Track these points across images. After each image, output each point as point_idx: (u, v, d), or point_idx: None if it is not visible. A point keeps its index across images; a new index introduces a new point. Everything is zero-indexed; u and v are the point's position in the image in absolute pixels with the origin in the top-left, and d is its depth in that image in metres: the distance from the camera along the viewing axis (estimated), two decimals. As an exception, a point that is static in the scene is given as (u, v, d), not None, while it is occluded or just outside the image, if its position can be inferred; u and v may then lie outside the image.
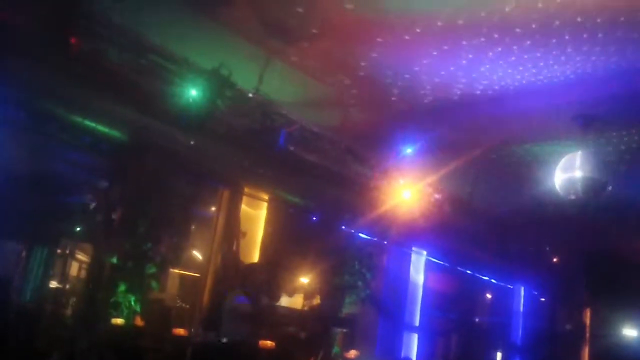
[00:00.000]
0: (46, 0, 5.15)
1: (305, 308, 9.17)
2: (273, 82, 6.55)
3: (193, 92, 6.13)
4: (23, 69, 5.46)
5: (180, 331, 6.82)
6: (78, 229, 8.31)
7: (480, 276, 13.83)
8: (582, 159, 6.81)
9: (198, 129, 6.56)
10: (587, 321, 15.58)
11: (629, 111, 6.83)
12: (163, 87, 6.13)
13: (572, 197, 6.90)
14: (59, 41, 5.39)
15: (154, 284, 7.08)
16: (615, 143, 7.69)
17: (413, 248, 11.81)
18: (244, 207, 8.58)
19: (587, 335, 15.42)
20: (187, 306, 8.84)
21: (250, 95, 6.67)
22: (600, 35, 5.36)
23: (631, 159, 8.07)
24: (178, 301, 9.10)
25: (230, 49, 6.23)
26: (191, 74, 6.15)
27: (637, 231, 11.64)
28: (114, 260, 6.71)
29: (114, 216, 6.83)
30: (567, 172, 6.84)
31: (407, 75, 6.52)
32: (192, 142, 6.91)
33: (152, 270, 6.99)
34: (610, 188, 7.05)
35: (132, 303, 6.79)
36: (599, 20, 5.11)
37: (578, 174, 6.76)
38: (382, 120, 7.78)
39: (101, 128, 6.47)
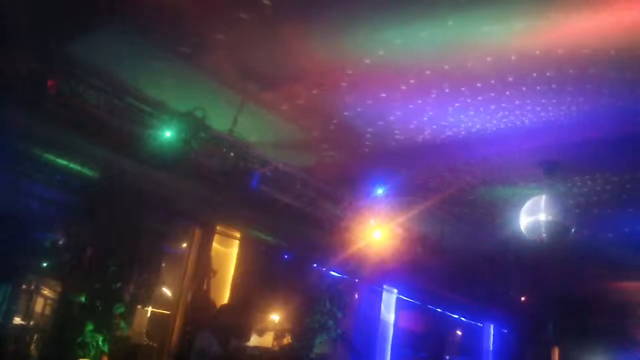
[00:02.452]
0: (24, 42, 5.21)
1: (276, 347, 9.12)
2: (247, 124, 6.67)
3: (167, 134, 6.22)
4: (-2, 108, 5.50)
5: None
6: (45, 264, 8.19)
7: (451, 314, 13.95)
8: (546, 202, 7.02)
9: (172, 168, 6.62)
10: (556, 358, 15.74)
11: (593, 157, 7.09)
12: (138, 128, 6.21)
13: (537, 239, 7.09)
14: (36, 82, 5.45)
15: (122, 323, 7.01)
16: (579, 187, 7.94)
17: (384, 286, 11.90)
18: (215, 245, 8.60)
19: (557, 374, 15.56)
20: (155, 344, 8.70)
21: (225, 137, 6.77)
22: (569, 88, 5.63)
23: (596, 203, 8.32)
24: (145, 339, 8.96)
25: (205, 91, 6.35)
26: (166, 116, 6.25)
27: (602, 273, 11.94)
28: (82, 299, 6.64)
29: (84, 255, 6.79)
30: (532, 215, 7.04)
31: (379, 122, 6.72)
32: (164, 182, 6.95)
33: (120, 309, 6.93)
34: (573, 231, 7.27)
35: (100, 343, 6.70)
36: (571, 71, 5.38)
37: (542, 217, 6.97)
38: (354, 162, 7.94)
39: (73, 166, 6.50)
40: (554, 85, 5.67)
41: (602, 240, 9.70)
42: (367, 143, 7.28)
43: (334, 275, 10.32)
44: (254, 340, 8.99)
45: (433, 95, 6.06)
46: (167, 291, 8.73)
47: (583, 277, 12.16)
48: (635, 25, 4.66)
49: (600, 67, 5.28)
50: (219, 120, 6.56)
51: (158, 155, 6.26)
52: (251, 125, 6.85)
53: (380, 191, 8.27)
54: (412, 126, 6.77)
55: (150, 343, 8.71)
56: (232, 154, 6.96)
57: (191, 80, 6.15)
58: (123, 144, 6.32)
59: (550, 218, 6.98)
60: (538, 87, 5.72)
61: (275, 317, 9.26)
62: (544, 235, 7.01)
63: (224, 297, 8.81)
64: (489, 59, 5.34)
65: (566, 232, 7.15)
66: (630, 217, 8.69)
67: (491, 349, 15.61)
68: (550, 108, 6.10)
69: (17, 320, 7.93)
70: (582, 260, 10.53)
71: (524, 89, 5.77)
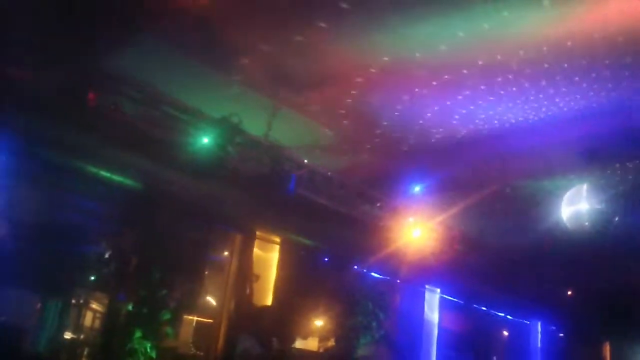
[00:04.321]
0: (65, 57, 5.40)
1: (319, 350, 9.12)
2: (282, 128, 6.76)
3: (205, 140, 6.34)
4: (42, 123, 5.68)
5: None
6: (92, 278, 8.38)
7: (496, 313, 13.70)
8: (588, 191, 6.89)
9: (210, 175, 6.72)
10: (608, 355, 15.30)
11: (634, 144, 6.93)
12: (176, 136, 6.34)
13: (580, 229, 6.96)
14: (77, 96, 5.63)
15: (169, 330, 7.12)
16: (621, 175, 7.76)
17: (426, 286, 11.77)
18: (256, 250, 8.66)
19: (608, 370, 15.14)
20: (201, 353, 8.81)
21: (260, 141, 6.85)
22: (607, 73, 5.54)
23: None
24: (192, 348, 9.07)
25: (239, 98, 6.47)
26: (202, 123, 6.37)
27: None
28: (129, 307, 6.78)
29: (129, 264, 6.94)
30: (574, 204, 6.93)
31: (415, 120, 6.74)
32: (203, 189, 7.06)
33: (167, 316, 7.04)
34: (617, 219, 7.10)
35: (148, 350, 6.81)
36: (607, 61, 5.31)
37: (584, 206, 6.85)
38: (390, 161, 7.94)
39: (116, 178, 6.64)
40: (590, 74, 5.61)
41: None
42: (403, 142, 7.30)
43: (375, 277, 10.28)
44: (298, 344, 9.01)
45: (468, 91, 6.07)
46: (211, 299, 8.83)
47: (630, 268, 11.80)
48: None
49: (638, 54, 5.18)
50: (254, 125, 6.66)
51: (196, 162, 6.37)
52: (286, 129, 6.93)
53: (417, 189, 8.23)
54: (449, 123, 6.76)
55: (197, 352, 8.82)
56: (268, 158, 7.02)
57: (225, 86, 6.28)
58: (162, 152, 6.46)
59: (592, 206, 6.84)
60: (574, 76, 5.65)
61: (318, 320, 9.26)
62: (586, 224, 6.87)
63: (267, 301, 8.86)
64: (521, 51, 5.32)
65: (610, 220, 7.00)
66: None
67: (539, 347, 15.24)
68: (588, 96, 6.01)
69: (68, 335, 8.14)
70: (628, 250, 10.23)
71: (558, 78, 5.70)
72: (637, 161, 7.35)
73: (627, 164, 7.49)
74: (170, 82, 6.18)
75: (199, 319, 9.08)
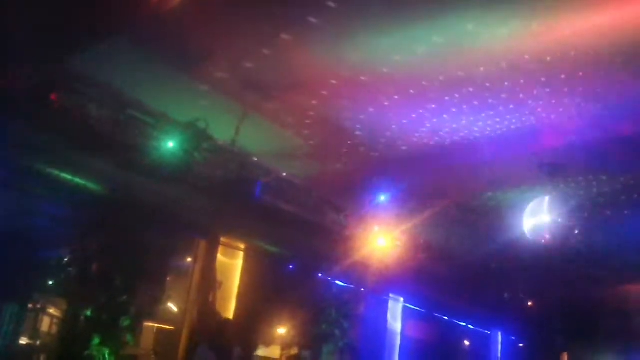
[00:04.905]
0: (27, 58, 5.28)
1: (283, 358, 9.07)
2: (249, 134, 6.73)
3: (170, 145, 6.27)
4: (3, 124, 5.54)
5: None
6: (51, 283, 8.18)
7: (458, 322, 13.86)
8: (549, 204, 7.04)
9: (175, 180, 6.65)
10: (565, 366, 15.62)
11: (596, 159, 7.14)
12: (141, 140, 6.25)
13: (541, 241, 7.10)
14: (39, 96, 5.51)
15: (129, 336, 6.98)
16: (583, 189, 7.95)
17: (390, 295, 11.84)
18: (220, 257, 8.59)
19: (566, 380, 15.44)
20: (163, 360, 8.67)
21: (227, 147, 6.81)
22: (565, 89, 5.69)
23: (601, 205, 8.32)
24: (152, 356, 8.92)
25: (207, 103, 6.42)
26: (168, 127, 6.30)
27: (610, 276, 11.87)
28: (88, 313, 6.64)
29: (90, 269, 6.80)
30: (535, 216, 7.06)
31: (381, 131, 6.80)
32: (168, 194, 6.97)
33: (127, 322, 6.91)
34: (577, 232, 7.27)
35: (106, 356, 6.67)
36: (562, 76, 5.45)
37: (545, 218, 6.98)
38: (356, 170, 7.98)
39: (79, 181, 6.51)
40: (550, 89, 5.75)
41: (608, 242, 9.67)
42: (371, 152, 7.34)
43: (339, 285, 10.29)
44: (260, 352, 8.95)
45: (435, 104, 6.17)
46: (173, 306, 8.71)
47: (590, 281, 12.10)
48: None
49: (601, 69, 5.34)
50: (222, 130, 6.62)
51: (161, 166, 6.30)
52: (253, 135, 6.90)
53: (383, 198, 8.28)
54: (415, 135, 6.85)
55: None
56: (234, 165, 6.98)
57: (193, 91, 6.22)
58: (126, 156, 6.36)
59: (553, 219, 6.99)
60: (533, 90, 5.79)
61: (281, 328, 9.22)
62: (547, 236, 7.02)
63: (230, 309, 8.78)
64: (482, 68, 5.44)
65: (570, 232, 7.16)
66: (637, 218, 8.65)
67: (499, 356, 15.47)
68: (550, 110, 6.16)
69: (24, 340, 7.92)
70: (589, 263, 10.49)
71: (518, 92, 5.84)
72: (600, 176, 7.53)
73: (590, 178, 7.67)
74: (138, 85, 6.10)
75: (160, 326, 8.93)
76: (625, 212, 8.54)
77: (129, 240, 6.99)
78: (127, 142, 6.27)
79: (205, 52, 5.55)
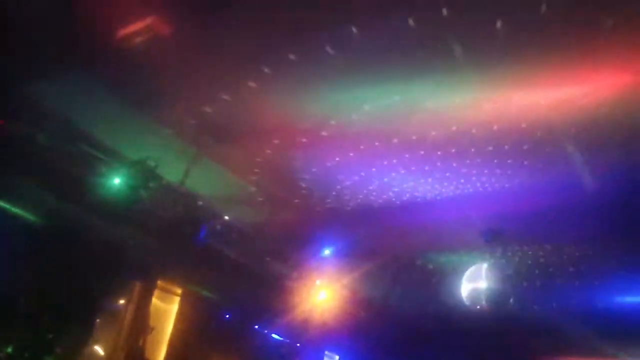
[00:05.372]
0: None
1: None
2: (199, 177, 6.67)
3: (117, 181, 6.12)
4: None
5: None
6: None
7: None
8: (487, 270, 7.20)
9: (118, 218, 6.48)
10: None
11: (535, 228, 7.38)
12: (87, 174, 6.09)
13: (478, 307, 7.22)
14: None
15: (52, 376, 6.61)
16: (521, 257, 8.18)
17: (326, 352, 11.69)
18: (155, 300, 8.32)
19: None
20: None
21: (175, 188, 6.72)
22: (509, 161, 5.95)
23: (539, 274, 8.55)
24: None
25: (160, 142, 6.34)
26: (117, 164, 6.17)
27: (547, 345, 12.05)
28: (10, 350, 6.26)
29: (16, 303, 6.45)
30: (473, 282, 7.20)
31: (331, 185, 6.87)
32: (109, 231, 6.77)
33: (50, 362, 6.55)
34: (512, 300, 7.44)
35: (26, 398, 6.27)
36: (506, 147, 5.70)
37: (482, 284, 7.12)
38: (303, 221, 7.99)
39: (15, 210, 6.25)
40: (494, 159, 6.00)
41: (545, 311, 9.86)
42: (320, 205, 7.40)
43: (275, 338, 10.11)
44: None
45: (386, 163, 6.29)
46: (99, 349, 8.31)
47: (528, 350, 12.26)
48: (575, 104, 5.01)
49: (540, 142, 5.62)
50: (172, 171, 6.54)
51: (105, 202, 6.13)
52: (203, 178, 6.85)
53: (327, 252, 8.29)
54: (364, 192, 6.97)
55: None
56: (181, 206, 6.87)
57: (148, 130, 6.15)
58: (70, 189, 6.17)
59: (490, 285, 7.14)
60: (479, 159, 6.03)
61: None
62: (484, 302, 7.15)
63: (160, 355, 8.44)
64: (433, 132, 5.64)
65: (506, 300, 7.32)
66: (574, 289, 8.90)
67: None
68: (492, 179, 6.40)
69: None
70: (526, 331, 10.68)
71: (466, 159, 6.06)
72: (538, 245, 7.78)
73: (527, 247, 7.92)
74: (92, 119, 5.99)
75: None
76: (565, 282, 8.76)
77: (61, 277, 6.70)
78: (72, 175, 6.09)
79: (165, 92, 5.54)
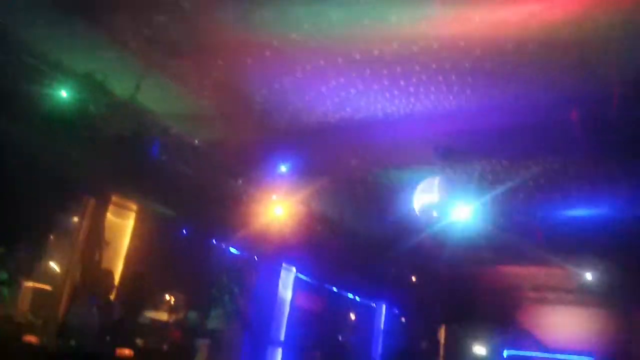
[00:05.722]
0: None
1: (171, 321, 8.98)
2: (150, 92, 6.50)
3: (64, 94, 5.92)
4: None
5: (31, 339, 6.37)
6: None
7: (346, 294, 14.33)
8: (438, 184, 7.39)
9: (66, 133, 6.31)
10: (442, 339, 16.65)
11: (485, 145, 7.55)
12: (31, 88, 5.85)
13: (428, 220, 7.46)
14: None
15: (4, 291, 6.64)
16: (472, 173, 8.39)
17: (283, 265, 12.02)
18: (109, 216, 8.31)
19: (441, 352, 16.47)
20: (40, 322, 8.28)
21: (125, 103, 6.55)
22: (453, 78, 5.97)
23: (487, 189, 8.81)
24: (30, 316, 8.50)
25: (108, 55, 6.10)
26: (63, 77, 5.94)
27: (492, 257, 12.68)
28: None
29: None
30: (424, 195, 7.40)
31: (285, 102, 6.78)
32: (58, 147, 6.60)
33: (3, 277, 6.56)
34: (463, 214, 7.71)
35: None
36: (447, 65, 5.71)
37: (434, 198, 7.33)
38: (259, 138, 7.96)
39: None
40: (448, 76, 6.02)
41: (493, 224, 10.26)
42: (276, 121, 7.34)
43: (233, 252, 10.32)
44: (148, 313, 8.80)
45: (344, 79, 6.22)
46: (55, 265, 8.33)
47: (472, 260, 12.87)
48: (528, 22, 5.00)
49: (490, 61, 5.64)
50: (122, 86, 6.35)
51: (52, 117, 5.95)
52: (154, 94, 6.69)
53: (283, 169, 8.34)
54: (321, 108, 6.92)
55: (36, 321, 8.30)
56: (132, 122, 6.73)
57: (94, 42, 5.88)
58: (13, 104, 5.94)
59: (441, 199, 7.35)
60: (439, 76, 6.02)
61: (170, 291, 9.11)
62: (434, 215, 7.38)
63: (117, 270, 8.54)
64: (376, 51, 5.60)
65: (456, 213, 7.57)
66: (521, 203, 9.24)
67: (382, 328, 16.20)
68: (443, 97, 6.44)
69: None
70: (473, 243, 11.15)
71: (424, 77, 6.06)
72: (490, 161, 7.96)
73: (478, 163, 8.09)
74: (33, 29, 5.68)
75: (41, 286, 8.53)
76: (510, 196, 9.06)
77: (10, 193, 6.59)
78: (15, 89, 5.85)
79: (113, 2, 5.26)
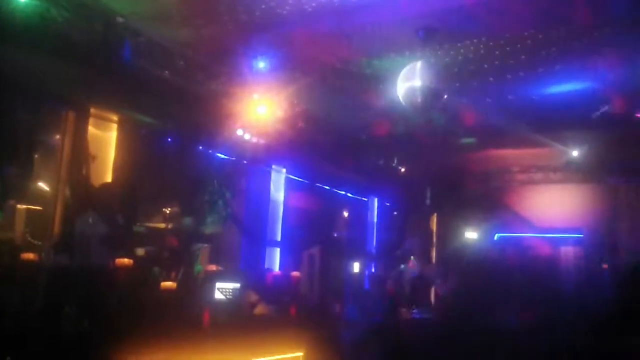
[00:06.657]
0: None
1: (166, 227, 9.05)
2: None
3: (22, -1, 5.56)
4: None
5: (29, 256, 6.41)
6: None
7: (338, 191, 14.51)
8: (422, 68, 7.21)
9: (31, 42, 5.99)
10: (434, 227, 17.09)
11: (469, 23, 7.28)
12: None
13: (413, 105, 7.34)
14: None
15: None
16: (456, 55, 8.19)
17: (272, 166, 12.06)
18: (92, 129, 8.15)
19: (434, 239, 16.96)
20: (39, 242, 8.33)
21: (91, 5, 6.19)
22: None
23: (473, 71, 8.64)
24: (28, 238, 8.54)
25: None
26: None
27: (478, 141, 12.70)
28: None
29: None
30: (408, 81, 7.24)
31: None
32: (23, 59, 6.27)
33: (-6, 200, 6.50)
34: (445, 97, 7.59)
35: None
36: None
37: (417, 82, 7.17)
38: (234, 35, 7.62)
39: None
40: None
41: (479, 108, 10.19)
42: (249, 15, 7.01)
43: (221, 157, 10.28)
44: (144, 223, 8.86)
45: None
46: (43, 186, 8.26)
47: (460, 146, 12.91)
48: None
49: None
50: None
51: (13, 26, 5.62)
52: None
53: (262, 65, 8.09)
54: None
55: (34, 241, 8.34)
56: (100, 25, 6.39)
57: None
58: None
59: (425, 83, 7.20)
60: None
61: (163, 198, 9.13)
62: (419, 100, 7.25)
63: (107, 182, 8.49)
64: None
65: (439, 97, 7.45)
66: (507, 83, 9.11)
67: (375, 221, 16.56)
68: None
69: None
70: (459, 128, 11.13)
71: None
72: (473, 41, 7.74)
73: (463, 43, 7.87)
74: None
75: (32, 207, 8.50)
76: (499, 78, 8.91)
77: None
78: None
79: None
